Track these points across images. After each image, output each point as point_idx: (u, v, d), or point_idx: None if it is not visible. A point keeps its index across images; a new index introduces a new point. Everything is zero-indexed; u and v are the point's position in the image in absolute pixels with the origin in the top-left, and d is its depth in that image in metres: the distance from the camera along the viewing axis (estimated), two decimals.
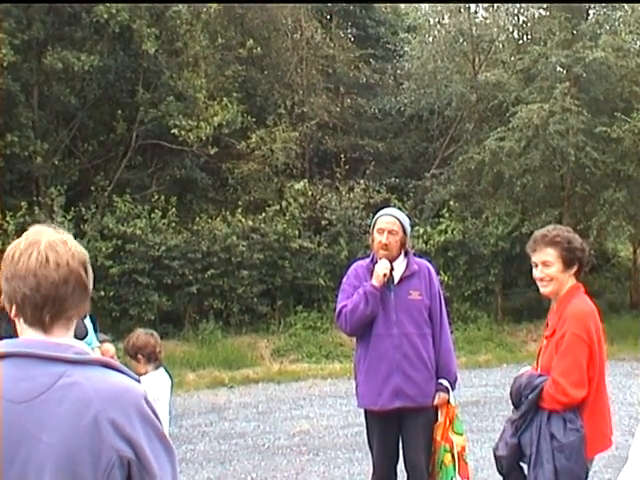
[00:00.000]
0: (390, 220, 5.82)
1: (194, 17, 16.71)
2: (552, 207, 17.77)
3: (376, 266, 5.74)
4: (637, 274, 19.19)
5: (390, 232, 5.76)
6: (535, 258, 4.58)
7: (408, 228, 5.89)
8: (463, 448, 5.74)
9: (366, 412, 5.94)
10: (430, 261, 6.34)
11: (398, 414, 5.74)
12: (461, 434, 5.77)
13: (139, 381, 2.24)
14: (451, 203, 17.92)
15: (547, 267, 4.52)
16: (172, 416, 11.12)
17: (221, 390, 13.26)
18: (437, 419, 5.76)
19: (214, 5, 16.58)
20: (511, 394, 4.57)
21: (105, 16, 15.04)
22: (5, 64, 14.33)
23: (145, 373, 5.69)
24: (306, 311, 16.81)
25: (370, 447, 5.97)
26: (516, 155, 16.86)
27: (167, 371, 6.01)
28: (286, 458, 9.17)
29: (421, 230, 17.35)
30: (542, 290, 4.61)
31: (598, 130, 16.48)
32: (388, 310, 5.72)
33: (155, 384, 5.60)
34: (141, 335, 5.88)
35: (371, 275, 5.75)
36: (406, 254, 5.86)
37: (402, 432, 5.81)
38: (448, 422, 5.73)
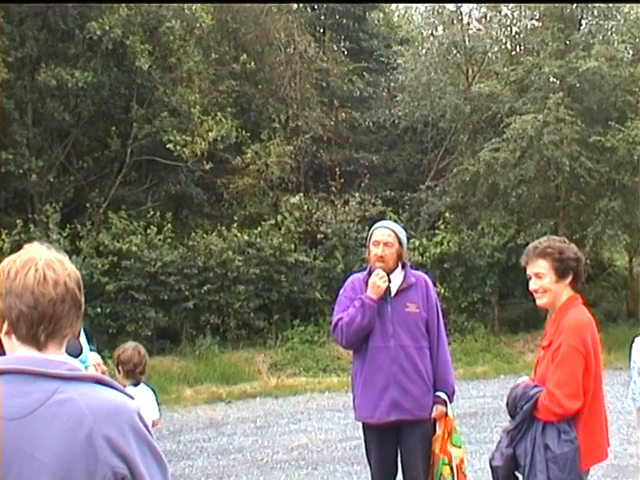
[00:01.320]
0: (385, 232, 5.81)
1: (187, 32, 16.70)
2: (547, 217, 17.76)
3: (371, 277, 5.73)
4: (633, 283, 19.18)
5: (386, 244, 5.75)
6: (528, 270, 4.58)
7: (404, 240, 5.89)
8: (462, 460, 5.73)
9: (364, 425, 5.92)
10: (427, 273, 6.33)
11: (396, 427, 5.72)
12: (459, 446, 5.76)
13: (132, 397, 2.22)
14: (446, 215, 17.89)
15: (540, 279, 4.52)
16: (170, 432, 11.14)
17: (219, 405, 13.23)
18: (435, 432, 5.75)
19: (207, 20, 16.58)
20: (507, 404, 4.57)
21: (98, 32, 15.04)
22: None
23: (123, 387, 5.66)
24: (303, 325, 16.75)
25: (368, 460, 5.95)
26: (511, 166, 16.86)
27: (149, 386, 5.99)
28: (285, 472, 9.15)
29: (417, 242, 17.32)
30: (538, 302, 4.60)
31: (592, 140, 16.49)
32: (385, 323, 5.70)
33: None
34: (128, 350, 5.90)
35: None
36: (403, 266, 5.85)
37: (400, 445, 5.79)
38: (446, 434, 5.71)
